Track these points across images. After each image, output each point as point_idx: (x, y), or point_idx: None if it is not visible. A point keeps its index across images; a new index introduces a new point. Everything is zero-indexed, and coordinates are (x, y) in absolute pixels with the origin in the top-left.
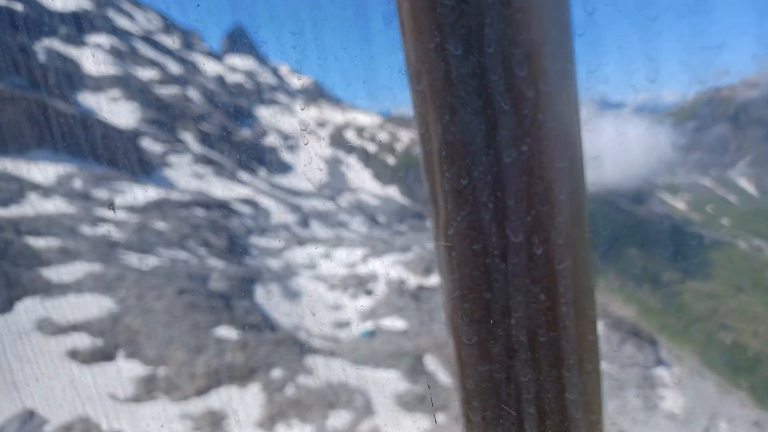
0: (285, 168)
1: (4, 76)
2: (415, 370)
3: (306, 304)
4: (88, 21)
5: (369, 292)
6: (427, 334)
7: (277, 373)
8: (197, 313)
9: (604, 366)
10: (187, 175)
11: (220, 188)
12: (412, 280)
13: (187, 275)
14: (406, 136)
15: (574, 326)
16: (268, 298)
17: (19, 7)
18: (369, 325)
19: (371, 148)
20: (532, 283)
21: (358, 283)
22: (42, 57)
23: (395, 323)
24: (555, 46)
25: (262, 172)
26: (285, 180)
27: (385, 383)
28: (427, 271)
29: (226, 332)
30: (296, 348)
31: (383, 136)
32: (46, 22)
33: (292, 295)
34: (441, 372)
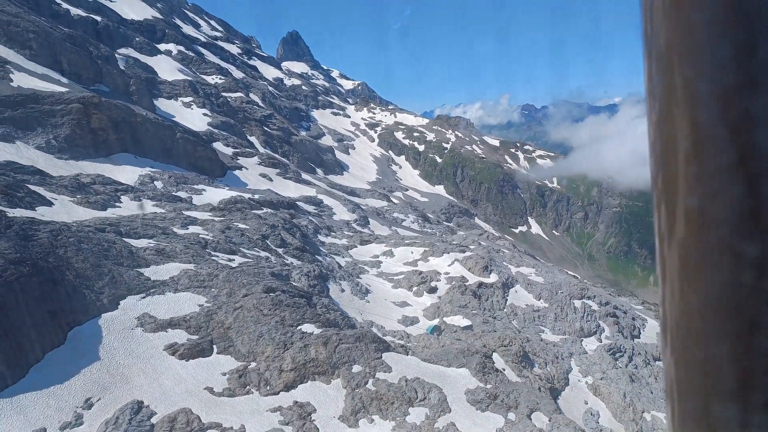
0: (340, 167)
1: (91, 84)
2: (486, 367)
3: (375, 300)
4: (160, 30)
5: (432, 290)
6: (491, 332)
7: (357, 368)
8: (283, 310)
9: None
10: (256, 175)
11: (285, 188)
12: (472, 278)
13: (271, 273)
14: (453, 137)
15: None
16: (341, 294)
17: (99, 18)
18: (435, 321)
19: (420, 147)
20: None
21: (421, 281)
22: (122, 65)
23: (460, 321)
24: None
25: (320, 171)
26: (341, 179)
27: (458, 380)
28: (485, 270)
29: (309, 328)
30: (373, 344)
31: (431, 136)
32: (123, 32)
33: (362, 292)
34: (509, 370)
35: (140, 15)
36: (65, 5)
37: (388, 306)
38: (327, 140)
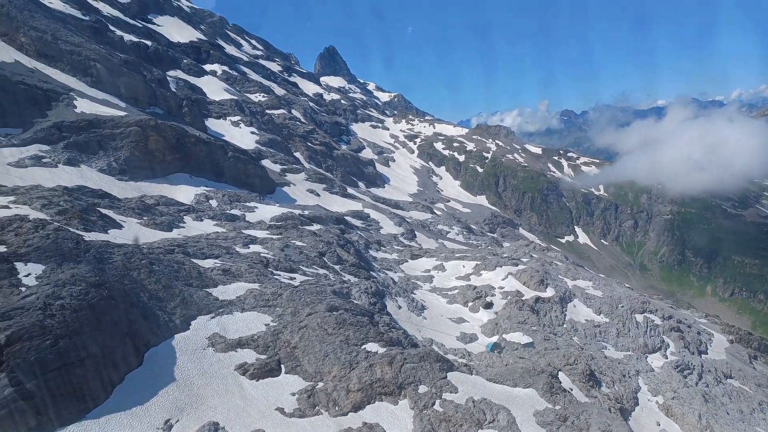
0: (381, 180)
1: (146, 107)
2: (553, 387)
3: (432, 317)
4: (205, 51)
5: (488, 305)
6: (554, 350)
7: (423, 388)
8: (347, 329)
9: (735, 383)
10: (304, 190)
11: (332, 203)
12: (528, 293)
13: (333, 292)
14: (493, 146)
15: None
16: (398, 311)
17: (149, 43)
18: (495, 338)
19: (460, 158)
20: None
21: (476, 296)
22: (173, 87)
23: (520, 338)
24: None
25: (362, 184)
26: (382, 192)
27: (526, 401)
28: (541, 284)
29: (373, 347)
30: (437, 363)
31: (471, 146)
32: (171, 55)
33: (418, 308)
34: (577, 390)
35: (186, 38)
36: (119, 32)
37: (444, 322)
38: (367, 153)
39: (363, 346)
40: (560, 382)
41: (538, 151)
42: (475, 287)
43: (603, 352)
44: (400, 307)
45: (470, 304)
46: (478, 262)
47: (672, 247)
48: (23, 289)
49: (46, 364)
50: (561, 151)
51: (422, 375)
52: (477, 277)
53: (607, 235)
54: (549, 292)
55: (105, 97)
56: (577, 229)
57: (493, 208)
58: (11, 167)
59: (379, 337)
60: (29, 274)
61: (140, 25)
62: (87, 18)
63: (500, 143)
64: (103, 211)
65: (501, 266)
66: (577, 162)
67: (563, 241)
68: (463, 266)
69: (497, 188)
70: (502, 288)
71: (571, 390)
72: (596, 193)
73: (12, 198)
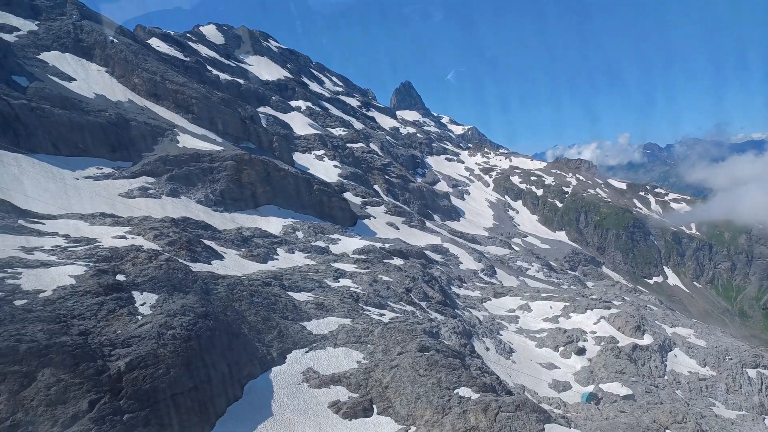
0: (457, 213)
1: (240, 141)
2: None
3: (520, 361)
4: (290, 88)
5: (581, 351)
6: (657, 404)
7: None
8: (438, 371)
9: None
10: (383, 223)
11: (411, 236)
12: (623, 339)
13: (423, 331)
14: (574, 180)
15: None
16: (486, 353)
17: (241, 81)
18: (590, 388)
19: (538, 192)
20: None
21: (567, 341)
22: (264, 122)
23: (619, 389)
24: None
25: (437, 217)
26: (458, 225)
27: None
28: (638, 330)
29: (466, 392)
30: (534, 414)
31: (549, 180)
32: (261, 93)
33: (506, 351)
34: None
35: (274, 76)
36: (215, 71)
37: (534, 367)
38: (442, 186)
39: (456, 391)
40: None
41: (622, 186)
42: (565, 331)
43: (712, 410)
44: (488, 349)
45: (561, 348)
46: (567, 304)
47: None
48: (139, 317)
49: (158, 393)
50: (648, 187)
51: (518, 426)
52: (566, 319)
53: (701, 277)
54: (647, 340)
55: (204, 132)
56: (666, 269)
57: (574, 244)
58: (122, 197)
59: (472, 382)
60: (144, 303)
61: (233, 65)
62: (188, 59)
63: (581, 177)
64: (206, 242)
65: (592, 309)
66: (666, 198)
67: (651, 281)
68: (550, 307)
69: (578, 224)
70: (594, 333)
71: None
72: (687, 231)
73: (128, 228)
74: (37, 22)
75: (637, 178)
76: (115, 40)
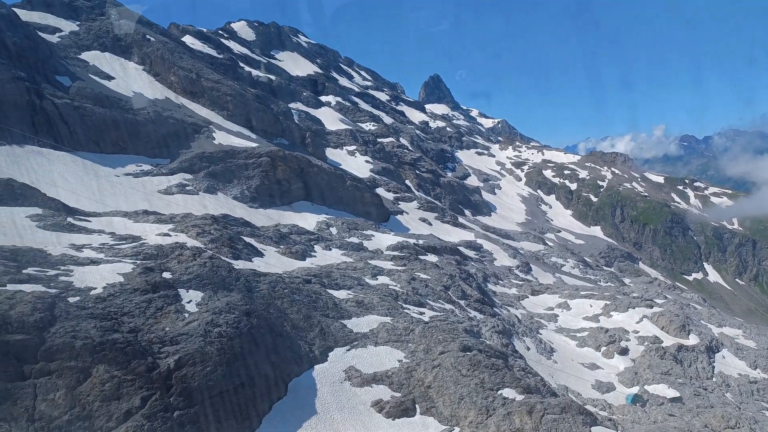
0: (488, 208)
1: (273, 138)
2: None
3: (562, 361)
4: (320, 83)
5: (623, 351)
6: (707, 408)
7: None
8: (482, 371)
9: None
10: (416, 219)
11: (444, 232)
12: (668, 339)
13: (464, 330)
14: (609, 173)
15: None
16: (527, 353)
17: (273, 77)
18: (635, 389)
19: (572, 186)
20: None
21: (609, 340)
22: (296, 118)
23: (665, 390)
24: None
25: (468, 212)
26: (489, 220)
27: None
28: (683, 330)
29: (510, 393)
30: (580, 416)
31: (584, 174)
32: (292, 88)
33: (547, 350)
34: None
35: (304, 71)
36: (247, 68)
37: (576, 368)
38: (472, 180)
39: (499, 392)
40: None
41: (659, 179)
42: (607, 330)
43: (765, 414)
44: (528, 349)
45: (603, 348)
46: (607, 302)
47: None
48: (186, 315)
49: (206, 390)
50: (686, 180)
51: (565, 428)
52: (607, 318)
53: (744, 273)
54: (692, 340)
55: (239, 129)
56: (706, 266)
57: (610, 240)
58: (161, 194)
59: (516, 383)
60: (190, 300)
61: (265, 61)
62: (221, 56)
63: (616, 171)
64: (246, 239)
65: (633, 307)
66: (706, 192)
67: (690, 278)
68: (590, 305)
69: (614, 219)
70: (636, 332)
71: None
72: (729, 227)
73: (171, 226)
74: (78, 23)
75: (674, 171)
76: (152, 38)
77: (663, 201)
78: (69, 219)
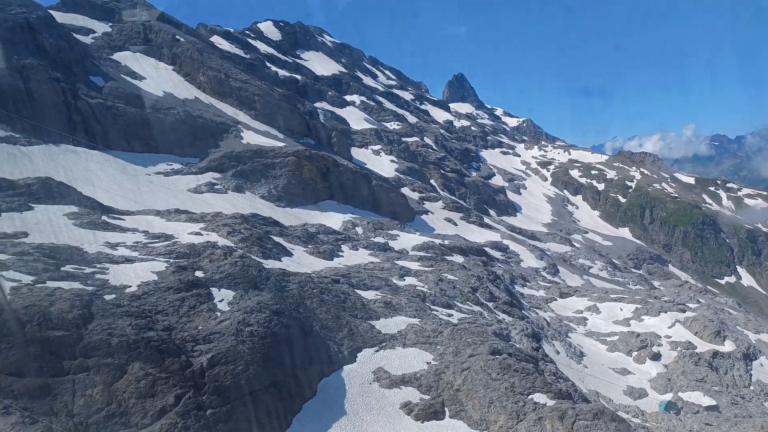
0: (513, 208)
1: (300, 137)
2: None
3: (592, 365)
4: (345, 83)
5: (656, 357)
6: (746, 417)
7: None
8: (512, 375)
9: None
10: (442, 219)
11: (470, 232)
12: (702, 345)
13: (493, 333)
14: (638, 174)
15: None
16: (556, 357)
17: (298, 77)
18: (669, 396)
19: (599, 186)
20: None
21: (640, 345)
22: (322, 118)
23: (700, 398)
24: None
25: (493, 212)
26: (514, 220)
27: None
28: (717, 336)
29: (541, 399)
30: (613, 423)
31: (612, 174)
32: (317, 88)
33: (577, 355)
34: None
35: (329, 71)
36: (274, 68)
37: (607, 373)
38: (497, 180)
39: (530, 396)
40: None
41: (690, 180)
42: (638, 334)
43: None
44: (558, 353)
45: (634, 353)
46: (638, 306)
47: None
48: (218, 314)
49: (238, 389)
50: (718, 181)
51: None
52: (638, 322)
53: None
54: (728, 346)
55: (266, 129)
56: (739, 269)
57: (638, 241)
58: (191, 193)
59: (547, 388)
60: (222, 299)
61: (291, 61)
62: (248, 56)
63: (645, 171)
64: (275, 238)
65: (665, 312)
66: (739, 193)
67: (722, 282)
68: (621, 309)
69: (642, 220)
70: (669, 337)
71: None
72: (764, 229)
73: (202, 225)
74: (110, 24)
75: (705, 171)
76: (182, 39)
77: (694, 202)
78: (104, 217)
